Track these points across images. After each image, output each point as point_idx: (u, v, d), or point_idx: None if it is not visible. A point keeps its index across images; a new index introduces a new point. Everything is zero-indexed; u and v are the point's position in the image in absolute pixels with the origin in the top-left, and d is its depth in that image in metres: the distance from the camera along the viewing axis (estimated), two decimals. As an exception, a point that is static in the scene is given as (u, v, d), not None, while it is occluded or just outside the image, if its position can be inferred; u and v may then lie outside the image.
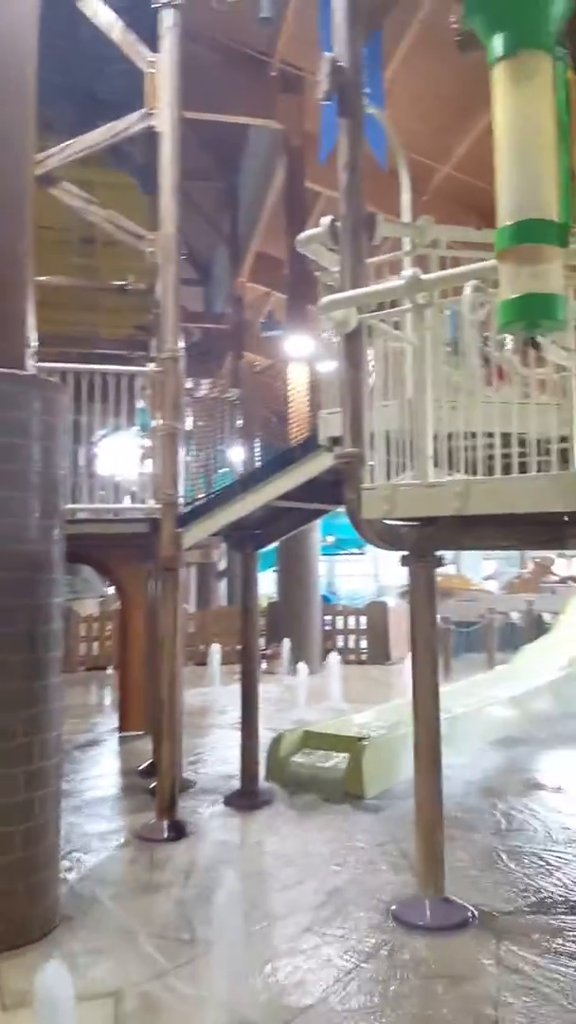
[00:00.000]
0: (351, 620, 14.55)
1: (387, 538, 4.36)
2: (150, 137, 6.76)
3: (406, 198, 6.03)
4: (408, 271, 4.05)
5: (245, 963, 3.68)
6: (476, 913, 4.39)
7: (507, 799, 6.38)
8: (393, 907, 4.48)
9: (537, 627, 13.23)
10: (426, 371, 4.01)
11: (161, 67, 6.56)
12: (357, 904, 4.58)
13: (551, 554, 17.16)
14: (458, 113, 11.80)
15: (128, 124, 6.73)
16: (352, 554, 22.97)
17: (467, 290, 3.79)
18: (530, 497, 3.62)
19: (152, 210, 7.40)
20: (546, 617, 13.39)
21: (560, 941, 4.08)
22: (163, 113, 6.53)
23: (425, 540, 4.26)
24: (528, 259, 3.21)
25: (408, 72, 10.91)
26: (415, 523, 4.29)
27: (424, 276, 4.02)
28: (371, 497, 4.19)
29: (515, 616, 13.90)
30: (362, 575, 23.36)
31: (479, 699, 8.77)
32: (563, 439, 3.57)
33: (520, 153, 3.25)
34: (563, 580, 16.24)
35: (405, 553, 4.34)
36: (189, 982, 3.73)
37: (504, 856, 5.22)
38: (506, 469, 3.87)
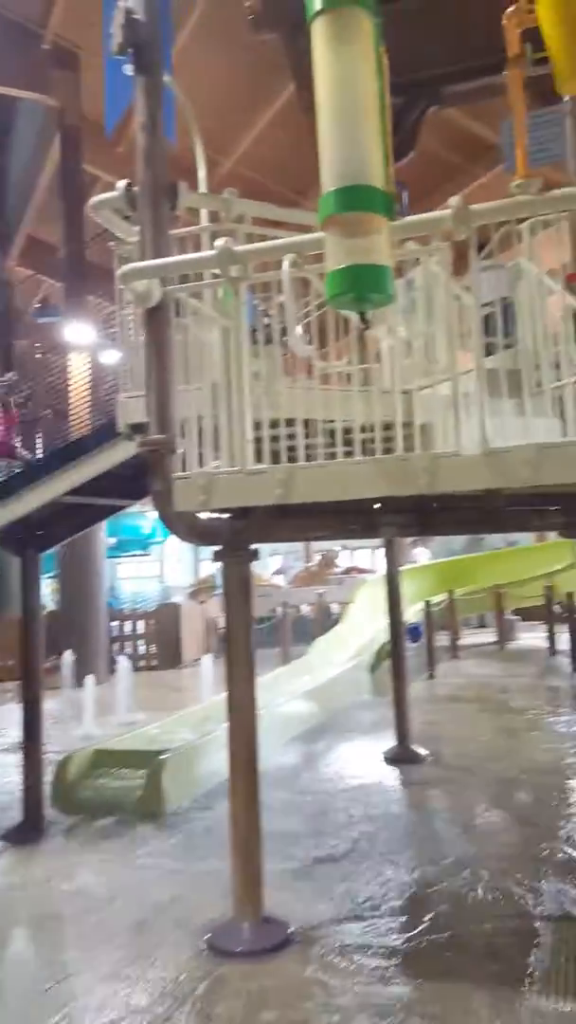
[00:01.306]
0: (140, 624, 13.99)
1: (200, 532, 4.01)
2: None
3: (202, 174, 5.69)
4: (221, 240, 3.71)
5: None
6: (296, 930, 4.14)
7: (318, 797, 6.25)
8: (208, 935, 4.12)
9: (327, 618, 13.44)
10: (241, 350, 3.69)
11: None
12: (167, 937, 4.17)
13: (335, 546, 17.62)
14: (242, 107, 11.69)
15: None
16: (135, 556, 22.26)
17: (285, 264, 3.52)
18: (356, 482, 3.43)
19: None
20: (334, 608, 13.64)
21: (379, 960, 3.87)
22: None
23: (240, 533, 3.95)
24: (354, 228, 3.00)
25: (187, 63, 10.59)
26: (229, 515, 3.97)
27: (238, 248, 3.71)
28: (184, 487, 3.81)
29: (305, 609, 14.05)
30: (147, 577, 22.67)
31: (278, 695, 8.65)
32: (388, 427, 3.41)
33: (343, 116, 3.04)
34: (347, 571, 16.71)
35: (219, 548, 4.00)
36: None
37: (318, 861, 5.05)
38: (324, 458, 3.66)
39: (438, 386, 3.97)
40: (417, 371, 4.48)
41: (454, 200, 3.46)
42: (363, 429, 3.62)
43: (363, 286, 2.96)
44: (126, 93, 4.91)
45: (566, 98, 6.02)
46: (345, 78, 3.03)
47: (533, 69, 4.19)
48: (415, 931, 4.06)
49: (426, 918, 4.18)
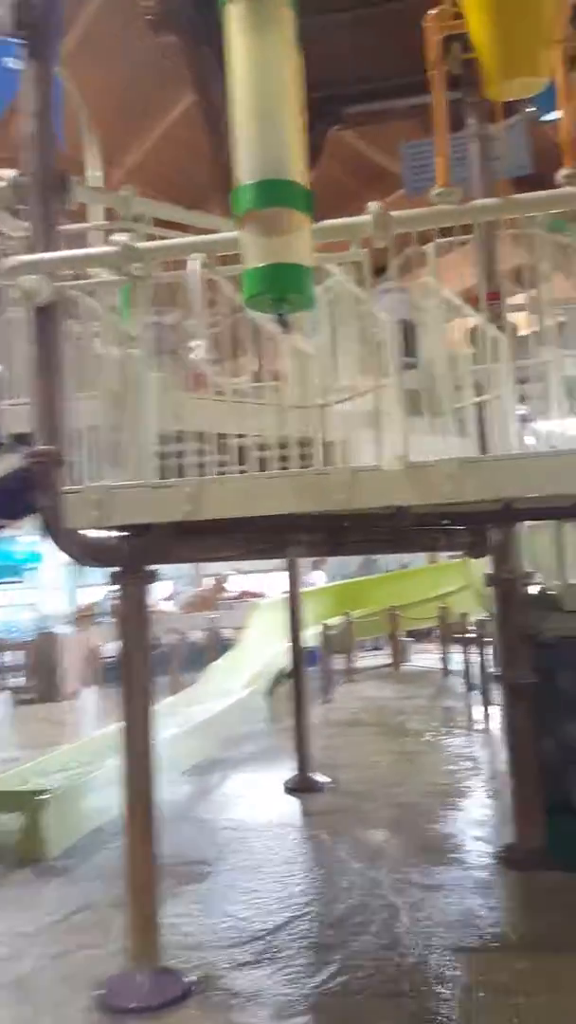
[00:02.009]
0: (13, 656, 13.21)
1: (94, 552, 3.67)
2: None
3: (97, 174, 5.40)
4: (120, 236, 3.44)
5: None
6: (195, 979, 3.83)
7: (215, 833, 5.94)
8: (99, 991, 3.76)
9: (219, 645, 13.09)
10: (144, 356, 3.41)
11: None
12: (53, 995, 3.79)
13: (226, 569, 17.30)
14: (132, 116, 11.37)
15: None
16: (6, 583, 20.88)
17: (194, 264, 3.28)
18: (271, 498, 3.20)
19: None
20: (226, 634, 13.31)
21: (284, 1009, 3.61)
22: None
23: (140, 553, 3.64)
24: (273, 225, 2.79)
25: (77, 69, 10.23)
26: (127, 533, 3.66)
27: (141, 244, 3.45)
28: (77, 502, 3.47)
29: (197, 635, 13.65)
30: (20, 605, 21.15)
31: (170, 726, 8.26)
32: (303, 443, 3.21)
33: (261, 105, 2.84)
34: (239, 596, 16.41)
35: (115, 569, 3.68)
36: None
37: (215, 899, 4.75)
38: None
39: (348, 401, 3.82)
40: (327, 385, 4.33)
41: (373, 206, 3.32)
42: (270, 446, 3.42)
43: (283, 286, 2.76)
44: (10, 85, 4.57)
45: (470, 122, 6.10)
46: (264, 65, 2.84)
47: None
48: (321, 974, 3.83)
49: (333, 958, 3.96)
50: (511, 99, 3.67)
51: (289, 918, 4.45)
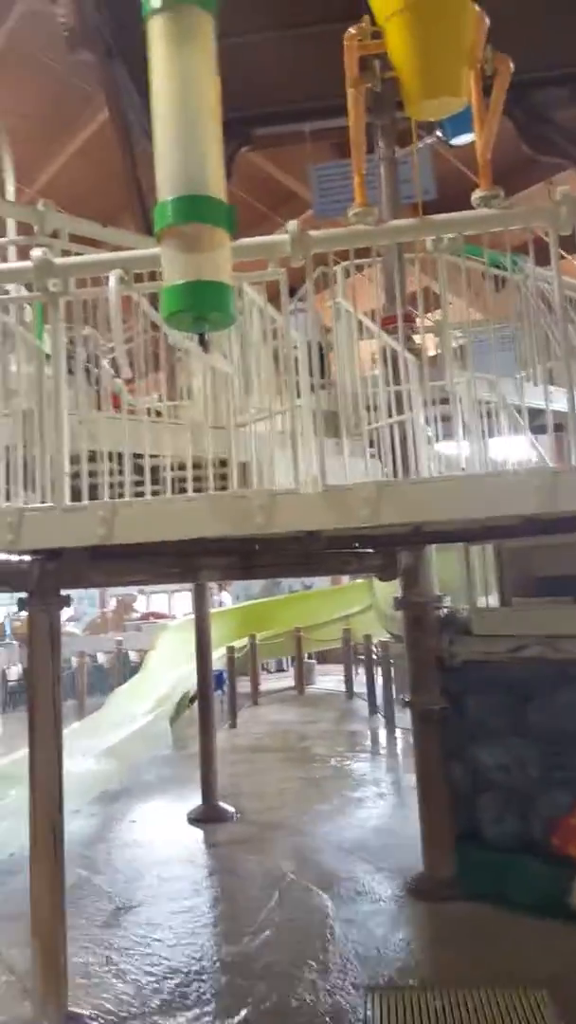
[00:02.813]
0: None
1: (2, 576, 3.49)
2: None
3: (9, 189, 5.21)
4: (38, 251, 3.30)
5: None
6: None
7: (116, 868, 5.71)
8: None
9: (125, 667, 12.76)
10: (58, 373, 3.27)
11: None
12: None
13: (132, 591, 16.93)
14: (46, 134, 11.13)
15: None
16: None
17: (112, 280, 3.18)
18: (188, 521, 3.10)
19: None
20: (133, 656, 12.99)
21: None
22: None
23: (51, 577, 3.48)
24: (195, 241, 2.74)
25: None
26: (38, 557, 3.50)
27: (59, 260, 3.32)
28: (-13, 524, 3.28)
29: (102, 657, 13.26)
30: None
31: (74, 752, 7.97)
32: (223, 463, 3.13)
33: (184, 119, 2.79)
34: (145, 617, 16.08)
35: (25, 594, 3.50)
36: None
37: (122, 940, 4.55)
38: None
39: (260, 422, 3.78)
40: (238, 405, 4.28)
41: (291, 225, 3.30)
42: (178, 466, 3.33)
43: (204, 304, 2.70)
44: None
45: (379, 146, 6.20)
46: (186, 79, 2.79)
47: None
48: (231, 1019, 3.69)
49: (246, 1001, 3.83)
50: (430, 119, 3.73)
51: (196, 959, 4.29)
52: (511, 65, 3.30)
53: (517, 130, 7.46)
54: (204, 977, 4.09)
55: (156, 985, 4.03)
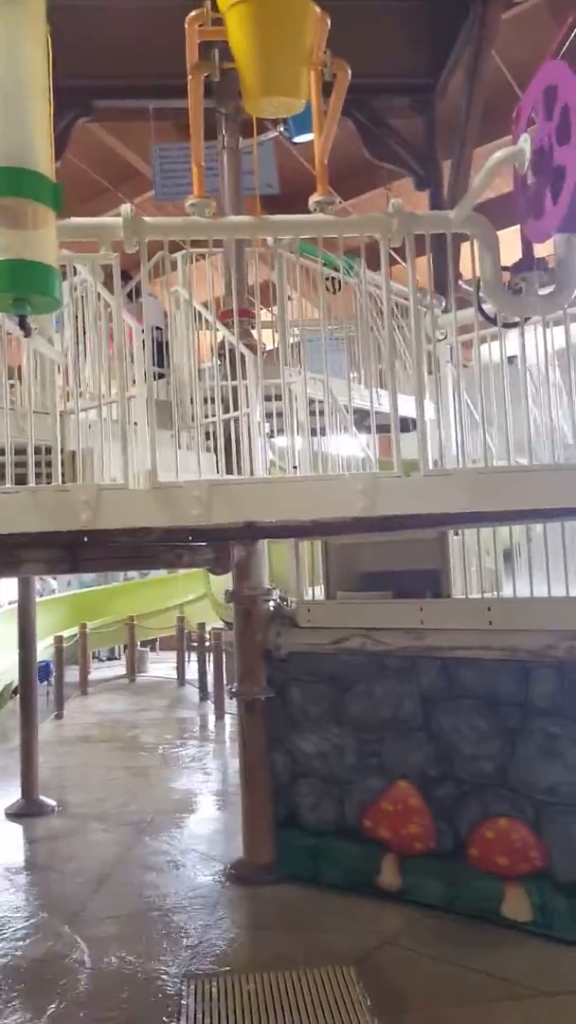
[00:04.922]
0: None
1: None
2: None
3: None
4: None
5: None
6: None
7: None
8: None
9: None
10: None
11: None
12: None
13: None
14: None
15: None
16: None
17: None
18: (5, 516, 2.93)
19: None
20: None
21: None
22: None
23: None
24: (17, 217, 2.57)
25: None
26: None
27: None
28: None
29: None
30: None
31: None
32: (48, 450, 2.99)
33: (7, 87, 2.60)
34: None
35: None
36: None
37: None
38: None
39: (91, 411, 3.64)
40: (67, 392, 4.11)
41: (125, 208, 3.18)
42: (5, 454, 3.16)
43: (27, 285, 2.53)
44: None
45: (222, 133, 6.12)
46: (10, 46, 2.61)
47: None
48: (42, 1017, 3.59)
49: (56, 995, 3.74)
50: (267, 117, 3.68)
51: (7, 955, 4.14)
52: (349, 71, 3.32)
53: (359, 134, 7.59)
54: (23, 973, 3.95)
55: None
